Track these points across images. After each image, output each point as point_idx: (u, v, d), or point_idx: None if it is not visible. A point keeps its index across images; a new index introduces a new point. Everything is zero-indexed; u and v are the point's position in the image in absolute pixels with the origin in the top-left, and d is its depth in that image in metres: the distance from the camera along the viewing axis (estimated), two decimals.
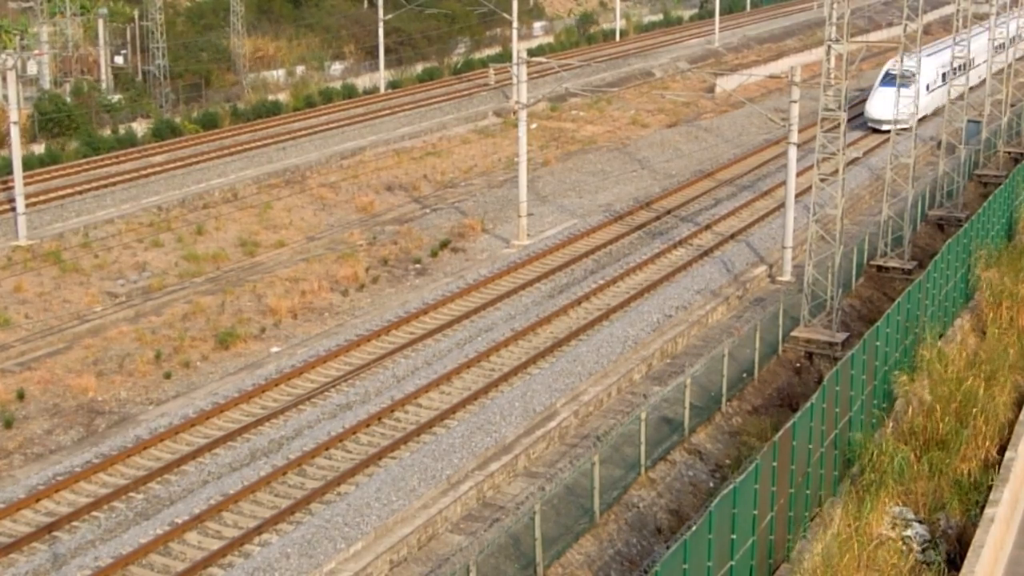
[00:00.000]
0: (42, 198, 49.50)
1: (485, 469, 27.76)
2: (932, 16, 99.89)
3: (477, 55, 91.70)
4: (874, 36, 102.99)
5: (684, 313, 37.70)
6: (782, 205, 43.21)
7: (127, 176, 53.94)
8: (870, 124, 64.58)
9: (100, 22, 73.45)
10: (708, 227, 47.25)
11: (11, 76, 48.64)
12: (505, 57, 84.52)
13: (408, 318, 37.78)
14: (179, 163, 56.52)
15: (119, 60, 75.22)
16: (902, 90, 48.17)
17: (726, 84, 77.72)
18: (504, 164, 59.83)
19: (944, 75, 62.31)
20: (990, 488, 26.73)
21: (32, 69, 70.44)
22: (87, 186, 51.84)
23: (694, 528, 20.46)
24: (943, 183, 50.98)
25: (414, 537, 25.21)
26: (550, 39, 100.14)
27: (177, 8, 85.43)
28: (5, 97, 53.77)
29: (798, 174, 43.22)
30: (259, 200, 52.07)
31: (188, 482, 27.67)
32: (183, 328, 37.66)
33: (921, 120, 58.48)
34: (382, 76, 78.68)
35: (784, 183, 42.53)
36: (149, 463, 28.69)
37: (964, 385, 30.36)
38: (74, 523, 26.03)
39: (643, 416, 27.83)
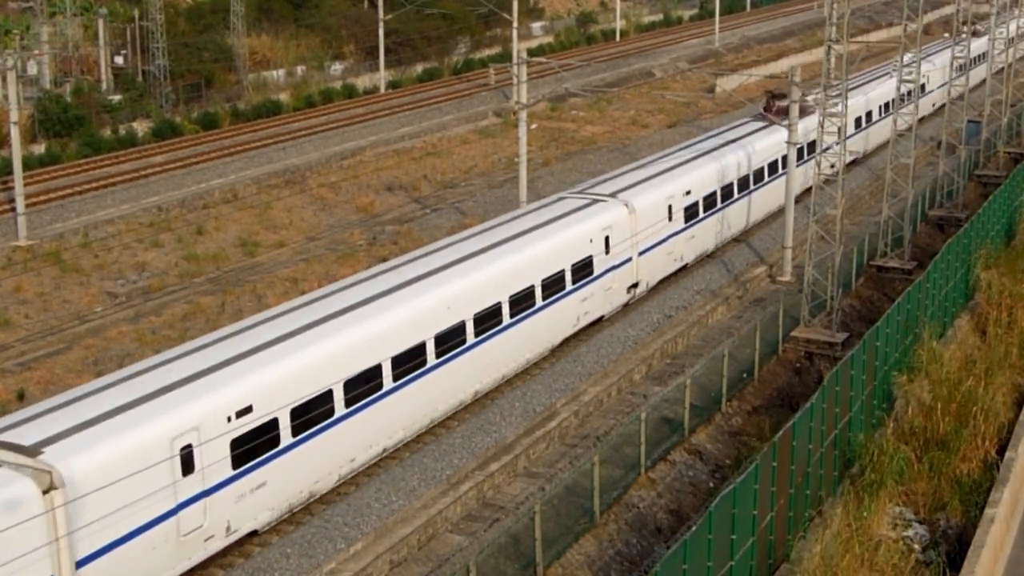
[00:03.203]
0: (42, 198, 49.51)
1: (485, 469, 27.76)
2: (932, 16, 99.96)
3: (477, 55, 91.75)
4: (874, 36, 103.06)
5: (684, 313, 37.71)
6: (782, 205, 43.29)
7: (127, 176, 53.96)
8: None
9: (100, 22, 73.52)
10: None
11: (11, 76, 48.65)
12: (505, 57, 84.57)
13: None
14: (179, 163, 56.54)
15: (119, 60, 75.28)
16: None
17: (726, 84, 77.77)
18: (504, 164, 59.83)
19: None
20: (990, 488, 26.74)
21: (32, 69, 70.51)
22: (87, 186, 51.85)
23: (694, 528, 20.46)
24: (943, 183, 50.99)
25: (414, 537, 25.20)
26: (550, 39, 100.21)
27: (177, 8, 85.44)
28: (5, 97, 53.79)
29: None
30: (259, 200, 52.07)
31: None
32: (183, 328, 37.65)
33: None
34: (382, 76, 78.72)
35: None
36: None
37: (963, 385, 30.38)
38: None
39: (643, 416, 27.82)
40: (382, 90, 77.63)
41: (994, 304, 37.80)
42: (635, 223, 36.42)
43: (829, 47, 37.62)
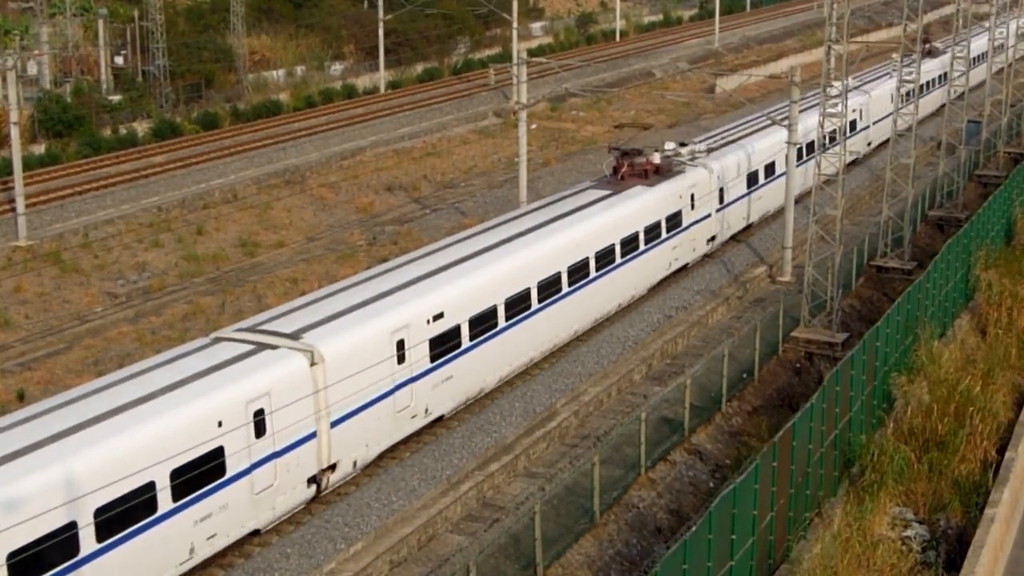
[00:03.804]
0: (42, 198, 49.52)
1: (485, 469, 27.76)
2: (932, 16, 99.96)
3: (477, 55, 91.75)
4: (874, 36, 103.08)
5: (684, 313, 37.71)
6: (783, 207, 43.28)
7: (127, 176, 53.97)
8: None
9: (100, 22, 73.49)
10: None
11: (11, 76, 48.65)
12: (505, 57, 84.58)
13: None
14: (179, 163, 56.55)
15: (119, 60, 75.27)
16: None
17: (726, 84, 77.78)
18: (504, 164, 59.84)
19: None
20: (990, 488, 26.75)
21: (32, 69, 70.50)
22: (87, 186, 51.86)
23: (694, 528, 20.47)
24: (943, 183, 51.00)
25: (414, 537, 25.20)
26: (550, 39, 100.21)
27: (177, 8, 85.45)
28: (5, 97, 53.80)
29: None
30: (259, 200, 52.07)
31: None
32: (183, 328, 37.66)
33: None
34: (382, 76, 78.72)
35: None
36: None
37: (961, 385, 30.39)
38: None
39: (643, 416, 27.83)
40: (382, 90, 77.63)
41: (994, 304, 37.81)
42: (323, 378, 24.98)
43: (829, 47, 37.63)
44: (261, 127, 65.47)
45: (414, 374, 27.63)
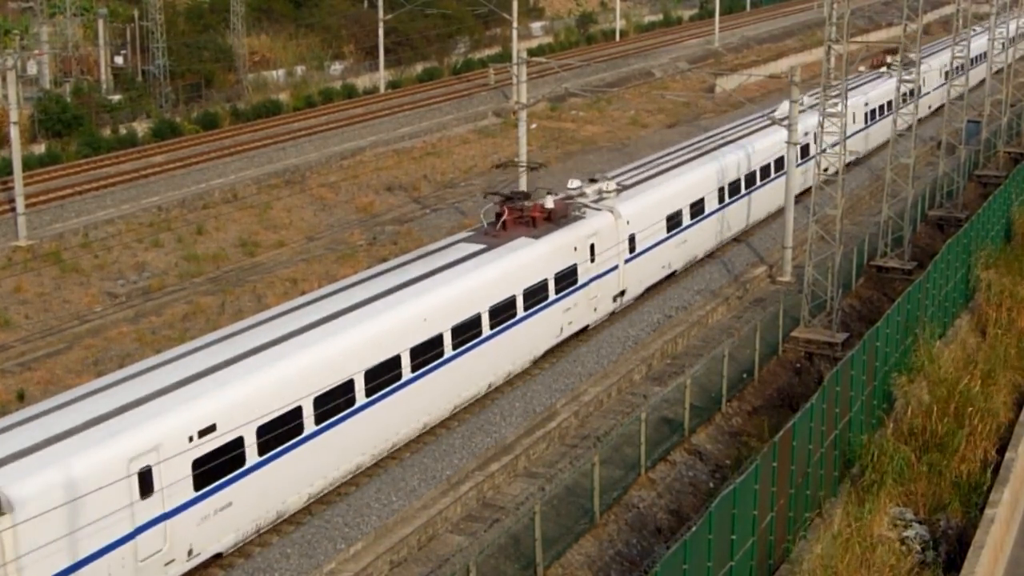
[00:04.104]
0: (42, 198, 49.53)
1: (485, 469, 27.77)
2: (932, 16, 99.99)
3: (477, 55, 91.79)
4: (874, 36, 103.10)
5: (684, 313, 37.71)
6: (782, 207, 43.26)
7: (127, 176, 53.99)
8: None
9: (100, 22, 73.51)
10: None
11: (11, 76, 48.65)
12: (505, 57, 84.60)
13: None
14: (179, 163, 56.57)
15: (119, 60, 75.28)
16: None
17: (726, 84, 77.82)
18: None
19: None
20: (990, 488, 26.75)
21: (32, 69, 70.52)
22: (87, 186, 51.88)
23: (694, 528, 20.46)
24: (943, 183, 51.01)
25: (414, 537, 25.20)
26: (550, 39, 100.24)
27: (177, 8, 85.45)
28: (5, 97, 53.80)
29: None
30: (259, 200, 52.08)
31: None
32: (183, 328, 37.66)
33: None
34: (382, 76, 78.74)
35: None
36: None
37: (961, 385, 30.39)
38: None
39: (643, 416, 27.83)
40: (382, 90, 77.64)
41: (994, 304, 37.80)
42: (11, 532, 19.00)
43: (829, 47, 37.64)
44: (261, 127, 65.49)
45: (168, 509, 21.60)
